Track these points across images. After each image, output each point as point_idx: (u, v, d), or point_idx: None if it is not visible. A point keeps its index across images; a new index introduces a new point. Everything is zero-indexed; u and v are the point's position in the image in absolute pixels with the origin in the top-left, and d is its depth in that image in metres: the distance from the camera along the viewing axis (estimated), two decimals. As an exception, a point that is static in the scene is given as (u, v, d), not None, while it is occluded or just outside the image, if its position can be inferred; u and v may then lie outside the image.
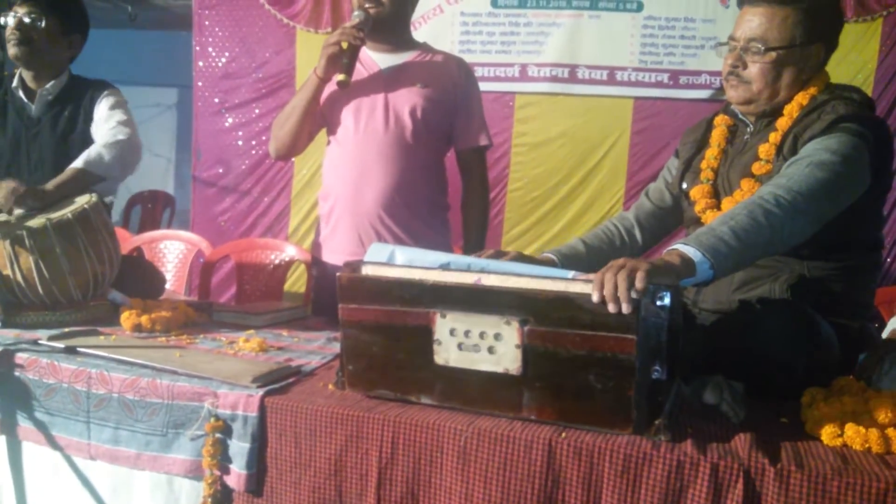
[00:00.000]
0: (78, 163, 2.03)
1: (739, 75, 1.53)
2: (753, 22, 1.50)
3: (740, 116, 1.62)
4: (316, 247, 2.19)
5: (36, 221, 1.81)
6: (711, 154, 1.63)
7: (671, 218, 1.76)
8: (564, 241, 3.74)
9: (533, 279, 1.17)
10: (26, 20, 2.14)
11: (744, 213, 1.27)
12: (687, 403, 1.25)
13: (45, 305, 1.82)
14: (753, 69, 1.51)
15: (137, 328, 1.76)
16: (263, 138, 4.01)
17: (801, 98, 1.51)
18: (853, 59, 3.50)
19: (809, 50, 1.51)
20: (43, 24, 2.15)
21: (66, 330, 1.70)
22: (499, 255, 1.45)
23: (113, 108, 2.21)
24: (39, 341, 1.59)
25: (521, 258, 1.48)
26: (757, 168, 1.51)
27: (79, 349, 1.54)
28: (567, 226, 3.85)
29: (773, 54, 1.49)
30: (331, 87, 2.04)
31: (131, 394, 1.39)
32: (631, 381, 1.09)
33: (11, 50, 2.17)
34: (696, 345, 1.34)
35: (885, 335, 1.52)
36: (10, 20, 2.16)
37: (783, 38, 1.48)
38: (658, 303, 1.09)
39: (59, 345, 1.55)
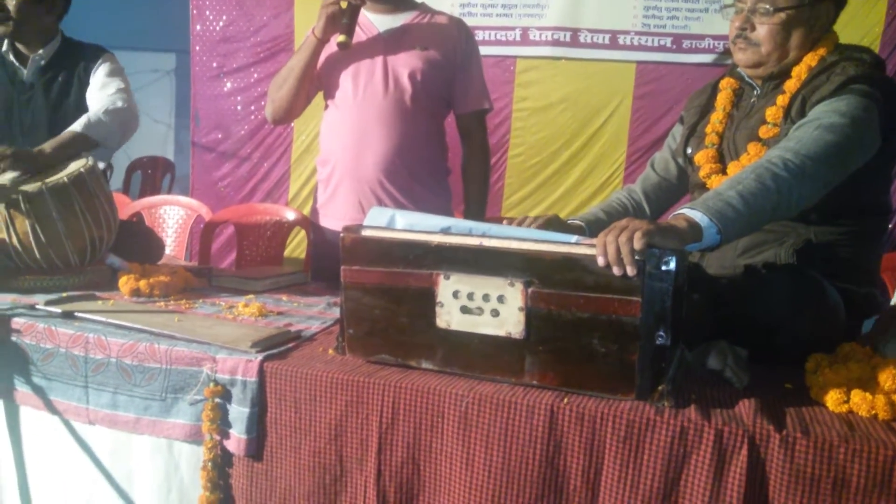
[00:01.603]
0: (77, 126, 2.00)
1: (748, 38, 1.49)
2: None
3: (747, 79, 1.58)
4: (314, 212, 2.16)
5: (32, 185, 1.79)
6: (717, 118, 1.59)
7: (677, 188, 1.74)
8: (566, 206, 3.78)
9: (537, 242, 1.15)
10: None
11: (751, 176, 1.25)
12: (690, 369, 1.24)
13: (43, 270, 1.81)
14: (762, 31, 1.47)
15: (136, 293, 1.74)
16: (262, 103, 3.95)
17: (810, 59, 1.47)
18: (859, 23, 3.43)
19: (819, 8, 1.46)
20: None
21: (64, 295, 1.68)
22: (534, 220, 1.44)
23: (110, 74, 2.17)
24: (36, 306, 1.57)
25: (555, 220, 1.47)
26: (764, 131, 1.48)
27: (76, 314, 1.53)
28: (568, 191, 3.81)
29: (783, 14, 1.45)
30: (329, 50, 2.00)
31: (129, 358, 1.38)
32: (635, 346, 1.07)
33: None
34: (700, 310, 1.32)
35: (893, 301, 1.50)
36: None
37: None
38: (663, 267, 1.07)
39: (56, 310, 1.54)
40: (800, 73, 1.47)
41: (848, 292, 1.40)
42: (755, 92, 1.56)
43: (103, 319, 1.49)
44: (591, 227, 1.57)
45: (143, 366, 1.37)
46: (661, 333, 1.09)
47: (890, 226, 3.39)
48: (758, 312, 1.26)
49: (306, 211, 3.74)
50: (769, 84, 1.53)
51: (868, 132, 1.37)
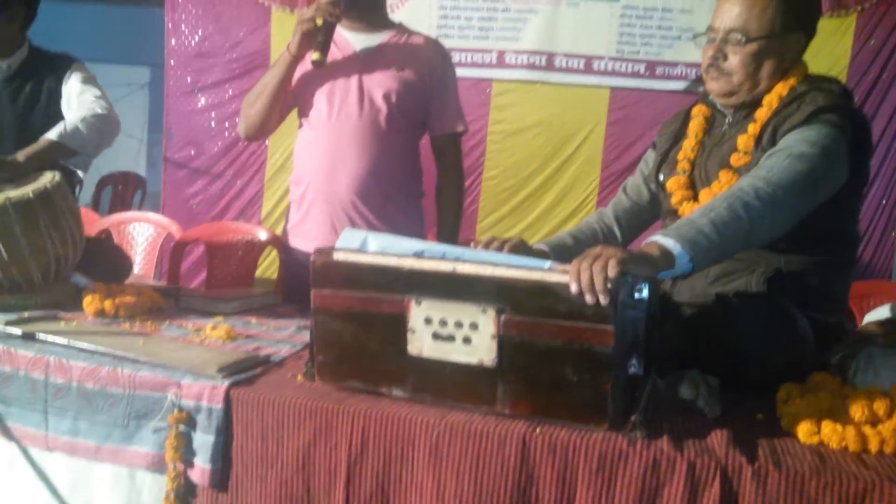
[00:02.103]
0: (51, 135, 1.96)
1: (720, 67, 1.51)
2: (733, 12, 1.48)
3: (719, 107, 1.60)
4: (286, 233, 2.13)
5: (-7, 200, 1.74)
6: (689, 145, 1.61)
7: (649, 213, 1.74)
8: (539, 230, 3.79)
9: (510, 268, 1.14)
10: None
11: (723, 205, 1.26)
12: (662, 398, 1.23)
13: (3, 289, 1.75)
14: (734, 60, 1.49)
15: (100, 313, 1.70)
16: (237, 120, 3.87)
17: (781, 89, 1.49)
18: (827, 54, 3.52)
19: (789, 39, 1.49)
20: None
21: (26, 315, 1.63)
22: (501, 243, 1.44)
23: (85, 82, 2.14)
24: (-4, 327, 1.52)
25: (521, 245, 1.46)
26: (735, 159, 1.49)
27: (37, 335, 1.48)
28: (542, 214, 3.83)
29: (755, 45, 1.47)
30: (303, 67, 1.99)
31: (91, 383, 1.33)
32: (608, 375, 1.07)
33: None
34: (672, 338, 1.32)
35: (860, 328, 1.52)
36: None
37: (763, 29, 1.46)
38: (636, 295, 1.07)
39: (17, 331, 1.49)
40: (770, 102, 1.49)
41: (817, 321, 1.41)
42: (727, 120, 1.58)
43: (65, 342, 1.45)
44: (557, 253, 1.56)
45: (105, 391, 1.32)
46: (634, 362, 1.08)
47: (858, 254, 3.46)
48: (729, 342, 1.27)
49: (279, 230, 3.71)
50: (740, 112, 1.55)
51: (837, 162, 1.39)
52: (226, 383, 1.26)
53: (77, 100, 2.10)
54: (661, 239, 1.18)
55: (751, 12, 1.46)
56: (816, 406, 1.15)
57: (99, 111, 2.05)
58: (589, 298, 1.04)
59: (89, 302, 1.71)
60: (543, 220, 3.83)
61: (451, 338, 1.16)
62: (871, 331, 1.45)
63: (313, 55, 1.88)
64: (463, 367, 1.16)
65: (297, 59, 1.94)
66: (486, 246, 1.43)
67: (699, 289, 1.50)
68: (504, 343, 1.12)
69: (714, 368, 1.27)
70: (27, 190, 1.77)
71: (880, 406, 1.11)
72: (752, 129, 1.49)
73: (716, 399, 1.21)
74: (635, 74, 3.66)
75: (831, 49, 3.52)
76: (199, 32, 3.95)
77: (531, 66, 3.69)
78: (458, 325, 1.15)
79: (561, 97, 3.72)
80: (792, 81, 1.50)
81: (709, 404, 1.20)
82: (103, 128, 2.06)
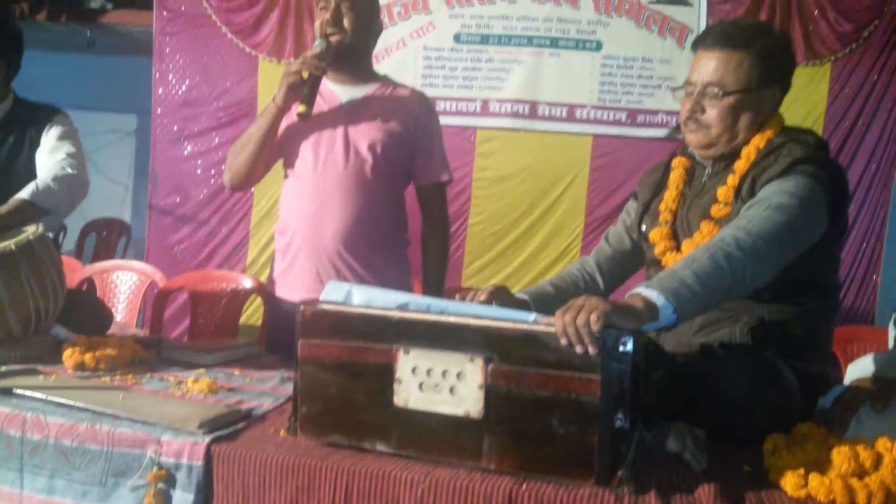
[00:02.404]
0: (24, 194, 1.95)
1: (698, 120, 1.54)
2: (709, 66, 1.51)
3: (698, 159, 1.63)
4: (271, 282, 2.12)
5: (-26, 253, 1.72)
6: (670, 196, 1.63)
7: (631, 261, 1.75)
8: (526, 275, 3.80)
9: (496, 319, 1.14)
10: None
11: (705, 256, 1.27)
12: (649, 451, 1.22)
13: (-18, 341, 1.72)
14: (712, 113, 1.52)
15: (80, 367, 1.67)
16: (223, 167, 3.91)
17: (758, 141, 1.52)
18: (803, 102, 3.61)
19: (765, 93, 1.53)
20: None
21: (3, 369, 1.60)
22: (483, 292, 1.44)
23: (61, 137, 2.13)
24: (-28, 382, 1.49)
25: (502, 290, 1.46)
26: (716, 210, 1.52)
27: (14, 390, 1.45)
28: (527, 260, 3.85)
29: (731, 98, 1.50)
30: (289, 118, 2.01)
31: (69, 440, 1.30)
32: (594, 428, 1.06)
33: None
34: (657, 389, 1.31)
35: (846, 381, 1.52)
36: None
37: (739, 82, 1.50)
38: (621, 348, 1.07)
39: (-7, 385, 1.46)
40: (748, 153, 1.52)
41: (802, 371, 1.41)
42: (706, 171, 1.61)
43: (43, 397, 1.42)
44: (537, 302, 1.57)
45: (83, 447, 1.29)
46: (620, 416, 1.08)
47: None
48: (714, 394, 1.27)
49: (263, 277, 3.69)
50: (719, 164, 1.58)
51: (816, 212, 1.42)
52: (206, 440, 1.24)
53: (48, 156, 2.09)
54: (645, 291, 1.19)
55: (727, 67, 1.50)
56: (803, 458, 1.14)
57: (69, 170, 2.04)
58: (578, 349, 1.04)
59: (69, 355, 1.68)
60: (529, 264, 3.85)
61: (437, 388, 1.15)
62: (862, 389, 1.44)
63: (299, 108, 1.90)
64: (449, 419, 1.14)
65: (282, 110, 1.96)
66: (470, 299, 1.43)
67: (684, 338, 1.50)
68: (491, 393, 1.12)
69: (700, 419, 1.26)
70: (9, 243, 1.75)
71: (866, 458, 1.11)
72: (732, 180, 1.51)
73: (702, 451, 1.20)
74: (617, 122, 3.73)
75: (807, 97, 3.61)
76: (187, 81, 3.99)
77: (515, 115, 3.75)
78: (445, 374, 1.14)
79: (544, 144, 3.78)
80: (769, 133, 1.53)
81: (695, 457, 1.19)
82: (74, 189, 2.05)
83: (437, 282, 2.09)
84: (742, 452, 1.24)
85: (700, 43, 1.56)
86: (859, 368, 1.54)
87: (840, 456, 1.11)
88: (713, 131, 1.53)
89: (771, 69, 1.52)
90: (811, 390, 1.45)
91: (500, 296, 1.45)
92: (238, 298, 3.04)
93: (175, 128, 4.02)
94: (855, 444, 1.15)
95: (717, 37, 1.52)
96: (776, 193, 1.40)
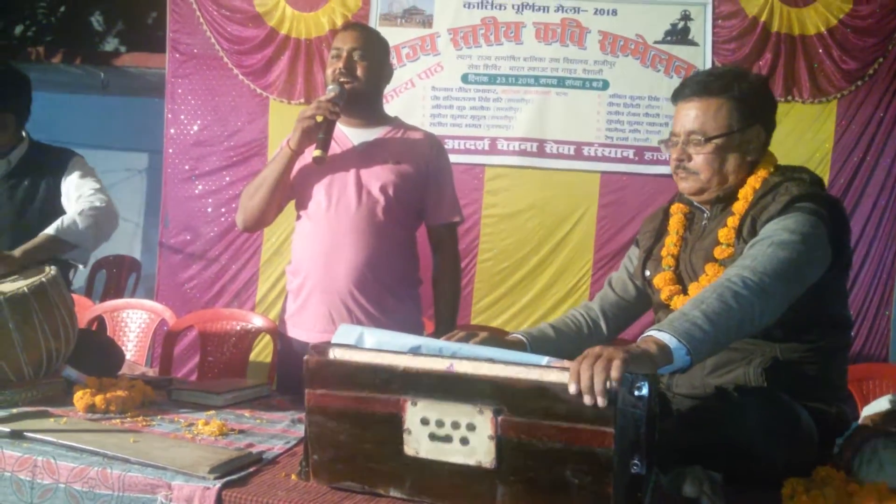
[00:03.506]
0: (50, 230, 1.98)
1: (686, 167, 1.57)
2: (690, 115, 1.56)
3: (695, 204, 1.65)
4: (282, 322, 2.13)
5: (-12, 295, 1.73)
6: (671, 241, 1.65)
7: (635, 308, 1.76)
8: (535, 312, 3.79)
9: (507, 366, 1.14)
10: None
11: (713, 296, 1.27)
12: (666, 496, 1.20)
13: (-6, 384, 1.73)
14: (698, 159, 1.55)
15: (91, 409, 1.67)
16: (234, 206, 3.94)
17: (754, 182, 1.55)
18: (810, 139, 3.62)
19: (748, 133, 1.55)
20: None
21: (14, 411, 1.61)
22: (469, 337, 1.42)
23: (83, 176, 2.17)
24: (-17, 425, 1.49)
25: (492, 339, 1.45)
26: (719, 252, 1.53)
27: (26, 433, 1.45)
28: (536, 297, 3.84)
29: (714, 143, 1.53)
30: (302, 160, 2.03)
31: (79, 484, 1.30)
32: (609, 477, 1.04)
33: None
34: (672, 432, 1.30)
35: (860, 421, 1.50)
36: None
37: (720, 127, 1.53)
38: (636, 393, 1.06)
39: (5, 429, 1.46)
40: (746, 194, 1.55)
41: (819, 412, 1.40)
42: (705, 215, 1.63)
43: (54, 440, 1.42)
44: (535, 344, 1.56)
45: (93, 492, 1.29)
46: (636, 462, 1.06)
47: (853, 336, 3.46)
48: (731, 438, 1.25)
49: (272, 314, 3.69)
50: (717, 207, 1.60)
51: (819, 246, 1.43)
52: (217, 485, 1.23)
53: (76, 193, 2.13)
54: (657, 334, 1.18)
55: (706, 114, 1.54)
56: (823, 503, 1.12)
57: (98, 204, 2.08)
58: (587, 400, 1.04)
59: (80, 397, 1.68)
60: (539, 301, 3.83)
61: (448, 438, 1.14)
62: (871, 429, 1.42)
63: (315, 152, 1.92)
64: (461, 468, 1.13)
65: (296, 154, 1.98)
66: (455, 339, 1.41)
67: (697, 380, 1.49)
68: (502, 444, 1.10)
69: (716, 463, 1.25)
70: (22, 285, 1.77)
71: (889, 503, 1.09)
72: (732, 221, 1.53)
73: (719, 496, 1.18)
74: (625, 159, 3.75)
75: (815, 134, 3.62)
76: (198, 122, 4.05)
77: (523, 153, 3.77)
78: (455, 425, 1.13)
79: (553, 181, 3.79)
80: (763, 173, 1.55)
81: (713, 502, 1.17)
82: (101, 221, 2.08)
83: (449, 321, 2.09)
84: (760, 496, 1.22)
85: (678, 95, 1.60)
86: (874, 409, 1.52)
87: (861, 500, 1.09)
88: (702, 176, 1.56)
89: (750, 110, 1.55)
90: (829, 432, 1.43)
91: (493, 343, 1.43)
92: (248, 337, 3.04)
93: (186, 167, 4.06)
94: (877, 489, 1.13)
95: (693, 87, 1.57)
96: (778, 231, 1.41)
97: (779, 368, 1.45)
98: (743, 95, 1.54)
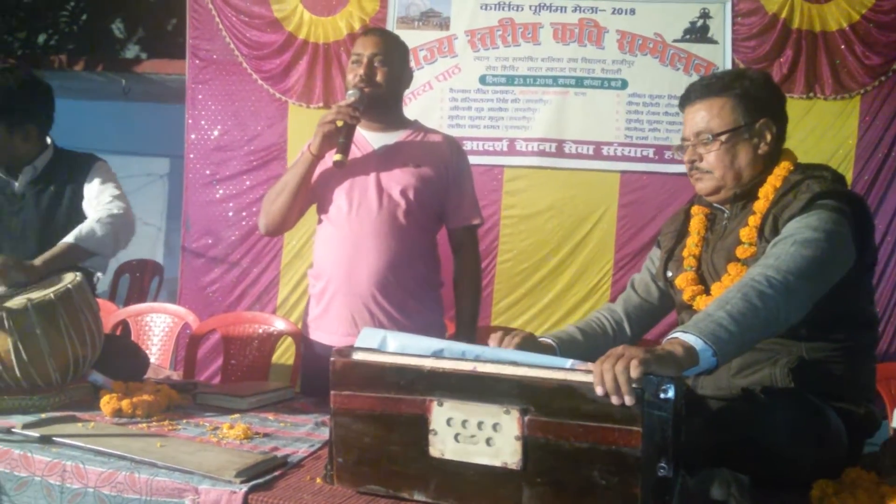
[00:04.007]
0: (69, 238, 2.00)
1: (699, 167, 1.58)
2: (696, 117, 1.57)
3: (715, 205, 1.63)
4: (305, 326, 2.14)
5: (16, 302, 1.76)
6: (692, 242, 1.65)
7: (659, 310, 1.76)
8: (555, 312, 3.77)
9: (531, 368, 1.13)
10: None
11: (738, 296, 1.27)
12: (693, 499, 1.19)
13: (22, 389, 1.75)
14: (710, 158, 1.56)
15: (118, 413, 1.69)
16: (254, 210, 3.99)
17: (774, 180, 1.54)
18: (833, 136, 3.57)
19: (756, 126, 1.55)
20: None
21: (43, 416, 1.63)
22: (507, 332, 1.44)
23: (104, 182, 2.19)
24: (13, 430, 1.51)
25: (529, 340, 1.45)
26: (741, 252, 1.52)
27: (54, 438, 1.47)
28: (557, 297, 3.82)
29: (722, 138, 1.54)
30: (323, 164, 2.04)
31: (108, 489, 1.31)
32: (636, 479, 1.04)
33: None
34: (698, 434, 1.29)
35: (894, 423, 1.48)
36: None
37: (727, 123, 1.54)
38: (662, 395, 1.05)
39: (34, 434, 1.48)
40: (766, 193, 1.54)
41: (847, 413, 1.38)
42: (725, 215, 1.62)
43: (82, 445, 1.43)
44: (564, 347, 1.56)
45: (121, 496, 1.30)
46: (663, 465, 1.06)
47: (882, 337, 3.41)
48: (759, 441, 1.24)
49: (293, 317, 3.71)
50: (737, 206, 1.59)
51: (842, 244, 1.41)
52: (244, 489, 1.24)
53: (95, 200, 2.15)
54: (682, 335, 1.17)
55: (711, 112, 1.55)
56: (854, 506, 1.11)
57: (115, 211, 2.10)
58: (615, 400, 1.03)
59: (106, 402, 1.70)
60: (559, 302, 3.82)
61: (473, 439, 1.14)
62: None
63: (335, 156, 1.93)
64: (487, 470, 1.13)
65: (317, 158, 2.00)
66: (497, 342, 1.42)
67: (723, 381, 1.48)
68: (529, 444, 1.10)
69: (743, 465, 1.24)
70: (48, 291, 1.79)
71: (921, 506, 1.08)
72: (753, 220, 1.53)
73: (747, 499, 1.17)
74: (644, 159, 3.72)
75: (838, 130, 3.57)
76: (219, 127, 4.08)
77: (541, 153, 3.76)
78: (481, 426, 1.13)
79: (572, 182, 3.78)
80: (783, 172, 1.55)
81: (741, 505, 1.16)
82: (119, 228, 2.10)
83: (471, 323, 2.09)
84: (788, 499, 1.21)
85: (684, 101, 1.63)
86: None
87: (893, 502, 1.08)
88: (716, 174, 1.56)
89: (755, 104, 1.55)
90: (857, 432, 1.42)
91: (527, 345, 1.44)
92: (270, 340, 3.06)
93: (207, 171, 4.09)
94: (909, 492, 1.12)
95: (697, 91, 1.59)
96: (801, 229, 1.40)
97: (805, 368, 1.43)
98: (745, 91, 1.55)
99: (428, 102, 3.81)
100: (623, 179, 3.75)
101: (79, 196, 2.20)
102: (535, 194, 3.82)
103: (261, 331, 3.08)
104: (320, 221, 2.11)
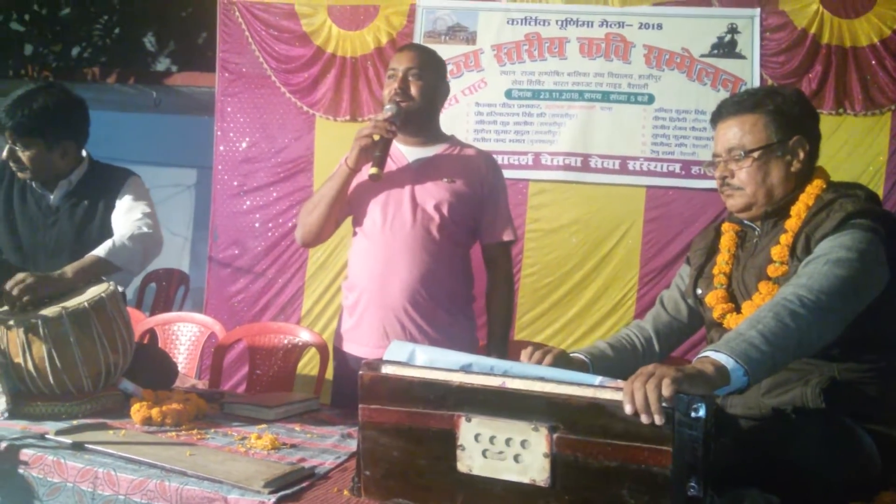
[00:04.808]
0: (99, 251, 2.03)
1: (730, 184, 1.57)
2: (729, 133, 1.56)
3: (746, 222, 1.63)
4: (338, 337, 2.17)
5: (51, 310, 1.80)
6: (723, 259, 1.64)
7: (688, 327, 1.75)
8: (579, 327, 3.75)
9: (559, 384, 1.13)
10: (4, 155, 2.19)
11: (770, 315, 1.26)
12: (722, 519, 1.18)
13: (55, 395, 1.78)
14: (741, 174, 1.55)
15: (147, 421, 1.72)
16: (280, 220, 4.04)
17: (807, 199, 1.53)
18: (863, 153, 3.52)
19: (789, 144, 1.54)
20: (26, 152, 2.18)
21: (75, 423, 1.66)
22: (538, 347, 1.45)
23: (136, 199, 2.23)
24: (46, 436, 1.54)
25: (562, 357, 1.46)
26: (772, 270, 1.51)
27: (87, 445, 1.49)
28: (581, 312, 3.80)
29: (755, 155, 1.53)
30: (359, 177, 2.07)
31: (139, 496, 1.33)
32: (666, 498, 1.03)
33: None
34: (727, 453, 1.28)
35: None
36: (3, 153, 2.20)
37: (759, 140, 1.53)
38: (693, 415, 1.05)
39: (67, 440, 1.51)
40: (798, 211, 1.53)
41: (881, 435, 1.36)
42: (756, 233, 1.61)
43: (114, 452, 1.46)
44: (596, 363, 1.56)
45: (152, 504, 1.32)
46: (694, 485, 1.05)
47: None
48: (790, 461, 1.22)
49: (317, 327, 3.73)
50: (768, 223, 1.58)
51: (876, 264, 1.40)
52: (272, 499, 1.25)
53: (124, 217, 2.19)
54: (714, 355, 1.17)
55: (743, 129, 1.54)
56: (888, 531, 1.09)
57: (145, 230, 2.13)
58: (644, 419, 1.03)
59: (137, 410, 1.73)
60: (583, 316, 3.79)
61: (501, 455, 1.14)
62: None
63: (371, 170, 1.96)
64: (515, 486, 1.13)
65: (354, 171, 2.03)
66: (529, 357, 1.43)
67: (752, 401, 1.46)
68: (557, 462, 1.10)
69: (773, 486, 1.22)
70: (83, 300, 1.82)
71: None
72: (785, 239, 1.51)
73: (778, 521, 1.16)
74: (671, 174, 3.70)
75: (868, 147, 3.52)
76: (247, 139, 4.13)
77: (567, 167, 3.75)
78: (509, 442, 1.13)
79: (597, 196, 3.76)
80: (816, 190, 1.53)
81: (772, 527, 1.14)
82: (148, 246, 2.14)
83: (502, 338, 2.10)
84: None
85: (716, 118, 1.62)
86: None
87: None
88: (748, 191, 1.55)
89: (787, 121, 1.54)
90: (892, 455, 1.39)
91: (560, 362, 1.44)
92: (295, 351, 3.08)
93: (235, 183, 4.14)
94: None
95: (729, 107, 1.59)
96: (834, 248, 1.39)
97: (837, 389, 1.41)
98: (777, 108, 1.54)
99: (454, 116, 3.81)
100: (649, 194, 3.73)
101: (111, 210, 2.25)
102: (560, 208, 3.81)
103: (286, 341, 3.11)
104: (355, 234, 2.14)
